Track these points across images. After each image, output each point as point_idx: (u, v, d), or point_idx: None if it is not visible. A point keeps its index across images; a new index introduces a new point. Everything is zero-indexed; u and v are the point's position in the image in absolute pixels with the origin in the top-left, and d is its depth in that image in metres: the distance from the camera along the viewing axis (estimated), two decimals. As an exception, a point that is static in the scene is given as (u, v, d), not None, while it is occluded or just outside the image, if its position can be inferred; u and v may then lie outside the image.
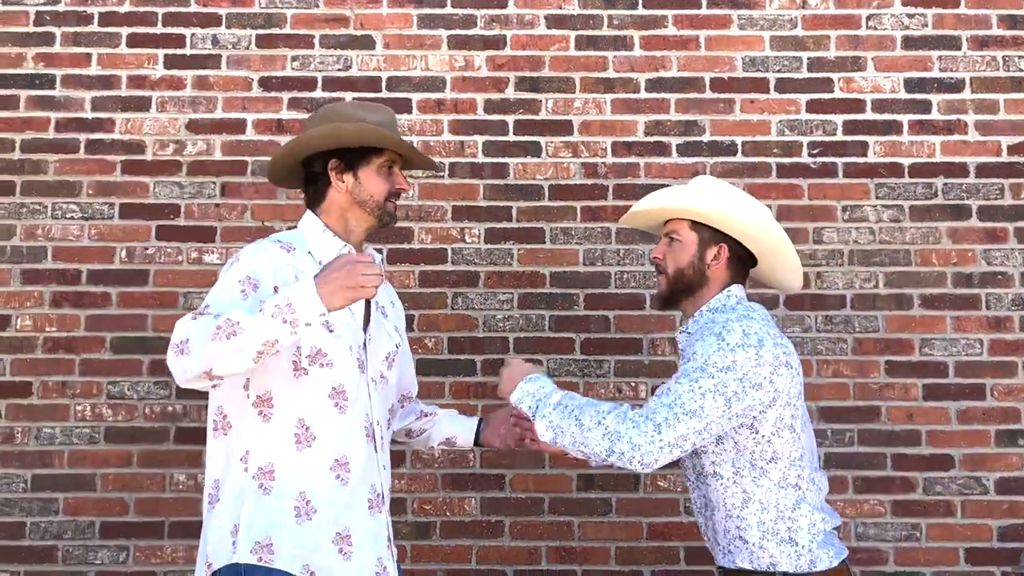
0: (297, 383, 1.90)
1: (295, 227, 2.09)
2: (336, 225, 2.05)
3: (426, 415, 2.33)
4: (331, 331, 1.92)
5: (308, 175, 2.08)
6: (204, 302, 1.87)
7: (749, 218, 2.03)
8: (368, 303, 2.08)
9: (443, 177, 3.13)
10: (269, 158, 3.10)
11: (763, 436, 1.92)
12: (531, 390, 2.00)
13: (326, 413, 1.92)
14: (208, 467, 1.96)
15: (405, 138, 3.12)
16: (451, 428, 2.31)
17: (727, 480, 1.95)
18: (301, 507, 1.88)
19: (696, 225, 2.07)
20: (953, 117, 3.16)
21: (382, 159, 2.06)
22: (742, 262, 2.09)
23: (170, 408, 3.00)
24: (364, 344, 2.02)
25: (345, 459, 1.92)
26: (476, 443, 2.30)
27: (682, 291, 2.07)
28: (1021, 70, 3.18)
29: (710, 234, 2.06)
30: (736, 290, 2.07)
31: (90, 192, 3.10)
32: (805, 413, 2.03)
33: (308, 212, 2.08)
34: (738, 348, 1.88)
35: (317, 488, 1.89)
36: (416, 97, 3.17)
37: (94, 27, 3.19)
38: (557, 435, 1.93)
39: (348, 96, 3.15)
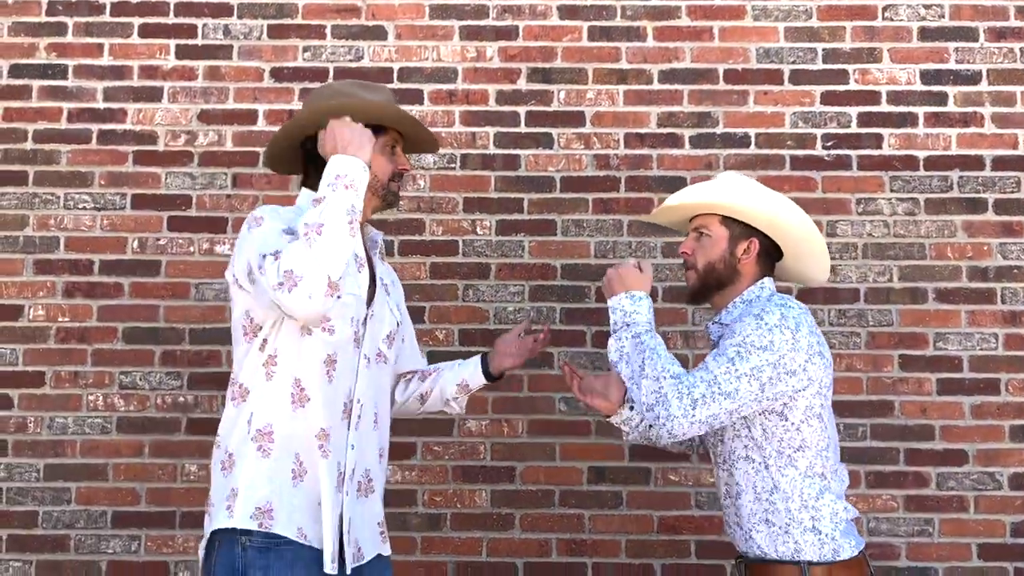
0: (300, 341, 1.91)
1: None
2: None
3: (429, 374, 2.31)
4: (338, 297, 1.90)
5: (308, 156, 2.05)
6: (257, 253, 1.83)
7: (780, 212, 2.05)
8: (373, 278, 2.06)
9: (454, 169, 3.11)
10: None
11: (792, 424, 1.94)
12: (628, 308, 2.01)
13: (319, 379, 1.92)
14: (220, 432, 1.97)
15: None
16: (459, 374, 2.28)
17: (758, 464, 1.97)
18: (296, 469, 1.89)
19: (726, 220, 2.08)
20: (969, 109, 3.13)
21: (386, 138, 2.04)
22: (770, 256, 2.11)
23: (181, 399, 3.01)
24: (365, 319, 2.01)
25: (328, 431, 1.92)
26: (489, 377, 2.26)
27: (712, 286, 2.09)
28: (1039, 62, 3.14)
29: (740, 229, 2.07)
30: (768, 283, 2.09)
31: (102, 182, 3.11)
32: (830, 405, 2.04)
33: (305, 189, 2.05)
34: (775, 329, 1.90)
35: (309, 451, 1.90)
36: (428, 88, 3.16)
37: (106, 17, 3.19)
38: (620, 362, 1.98)
39: (360, 87, 3.14)
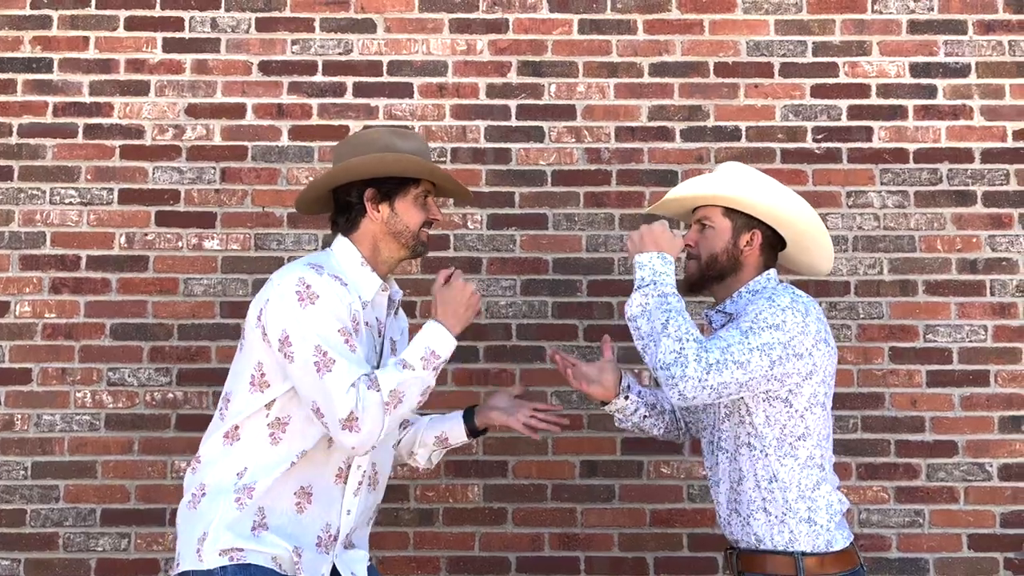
0: (314, 416, 1.89)
1: (327, 248, 2.07)
2: (368, 255, 2.04)
3: (408, 424, 2.28)
4: None
5: (341, 204, 2.05)
6: (321, 350, 1.83)
7: (782, 203, 2.06)
8: (384, 341, 2.07)
9: (445, 162, 3.10)
10: (270, 143, 3.08)
11: (796, 411, 1.95)
12: (657, 267, 2.00)
13: (322, 449, 1.93)
14: (200, 468, 1.94)
15: (407, 124, 3.10)
16: (439, 426, 2.25)
17: (759, 452, 1.97)
18: (257, 521, 1.89)
19: (729, 211, 2.09)
20: (958, 102, 3.14)
21: (419, 189, 2.05)
22: (773, 247, 2.13)
23: (171, 395, 2.98)
24: None
25: (310, 489, 1.93)
26: (473, 433, 2.24)
27: (714, 276, 2.10)
28: (1028, 54, 3.15)
29: (744, 220, 2.09)
30: (773, 273, 2.11)
31: (89, 177, 3.08)
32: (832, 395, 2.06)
33: (343, 238, 2.05)
34: (788, 310, 1.93)
35: (280, 509, 1.90)
36: (417, 81, 3.14)
37: (91, 10, 3.15)
38: (641, 317, 1.96)
39: (350, 80, 3.12)
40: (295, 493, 1.92)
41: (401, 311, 2.24)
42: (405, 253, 2.08)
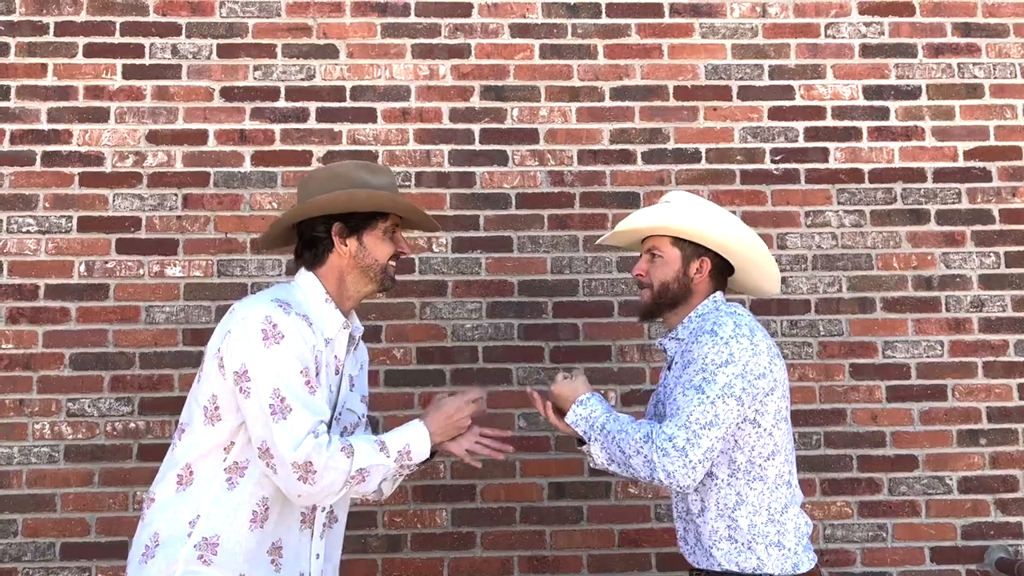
0: (260, 456, 1.84)
1: (292, 281, 2.04)
2: (334, 290, 2.01)
3: None
4: None
5: (307, 238, 2.02)
6: (278, 394, 1.81)
7: (728, 231, 2.11)
8: (341, 377, 2.04)
9: (409, 187, 3.11)
10: (232, 169, 3.07)
11: (765, 429, 1.97)
12: (584, 414, 2.05)
13: (282, 497, 1.88)
14: (149, 516, 1.88)
15: (370, 150, 3.10)
16: None
17: (721, 481, 1.99)
18: None
19: (677, 241, 2.13)
20: (911, 123, 3.22)
21: (387, 223, 2.04)
22: (721, 272, 2.17)
23: (132, 425, 2.94)
24: (331, 421, 1.97)
25: (280, 543, 1.90)
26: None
27: (666, 303, 2.14)
28: (975, 77, 3.25)
29: (692, 249, 2.13)
30: (719, 296, 2.15)
31: (47, 205, 3.04)
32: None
33: (307, 273, 2.02)
34: (731, 340, 1.94)
35: (257, 566, 1.85)
36: (380, 106, 3.15)
37: (50, 37, 3.12)
38: (609, 460, 2.00)
39: (312, 106, 3.12)
40: (268, 552, 1.88)
41: (362, 344, 2.20)
42: (372, 287, 2.05)
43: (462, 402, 2.01)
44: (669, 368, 2.14)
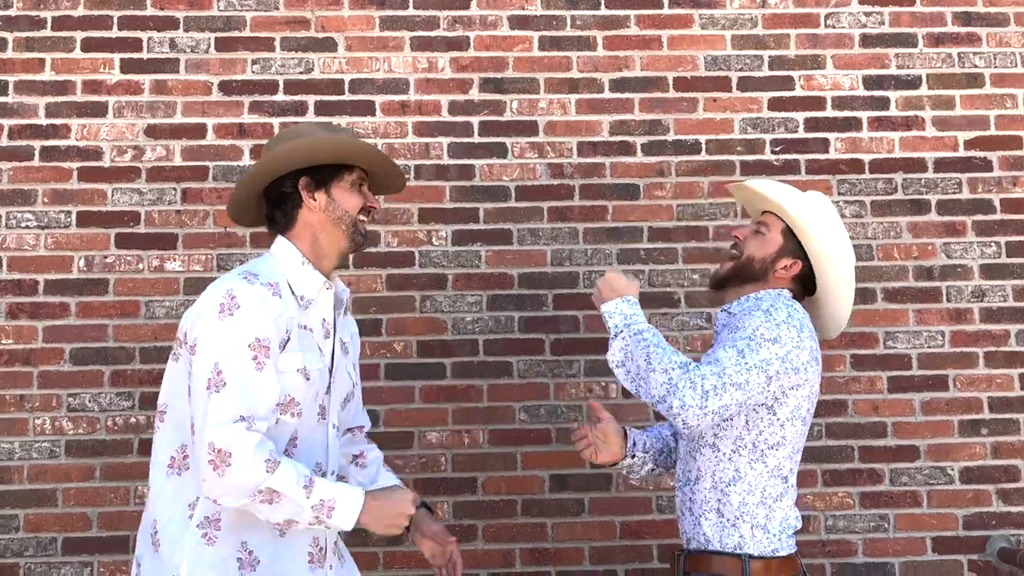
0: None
1: (263, 255, 1.98)
2: (308, 251, 1.95)
3: (363, 462, 2.20)
4: (308, 379, 1.85)
5: (275, 199, 1.97)
6: (217, 367, 1.74)
7: (833, 253, 2.08)
8: (334, 341, 1.99)
9: (409, 179, 3.10)
10: (231, 163, 3.06)
11: (778, 419, 1.98)
12: (625, 311, 2.04)
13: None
14: (151, 506, 1.86)
15: (370, 142, 3.09)
16: (390, 481, 2.18)
17: (723, 455, 2.00)
18: (244, 558, 1.80)
19: (788, 231, 2.11)
20: (911, 113, 3.21)
21: (353, 176, 1.99)
22: (803, 285, 2.14)
23: (133, 419, 2.94)
24: (328, 388, 1.95)
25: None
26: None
27: (741, 278, 2.12)
28: (976, 66, 3.24)
29: (794, 246, 2.11)
30: (786, 292, 2.11)
31: (46, 200, 3.03)
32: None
33: (281, 238, 1.96)
34: (783, 324, 1.95)
35: (260, 538, 1.82)
36: (379, 99, 3.14)
37: (47, 32, 3.11)
38: (626, 361, 2.00)
39: (311, 99, 3.12)
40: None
41: (350, 314, 2.15)
42: (346, 244, 1.98)
43: (408, 506, 1.86)
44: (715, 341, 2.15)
